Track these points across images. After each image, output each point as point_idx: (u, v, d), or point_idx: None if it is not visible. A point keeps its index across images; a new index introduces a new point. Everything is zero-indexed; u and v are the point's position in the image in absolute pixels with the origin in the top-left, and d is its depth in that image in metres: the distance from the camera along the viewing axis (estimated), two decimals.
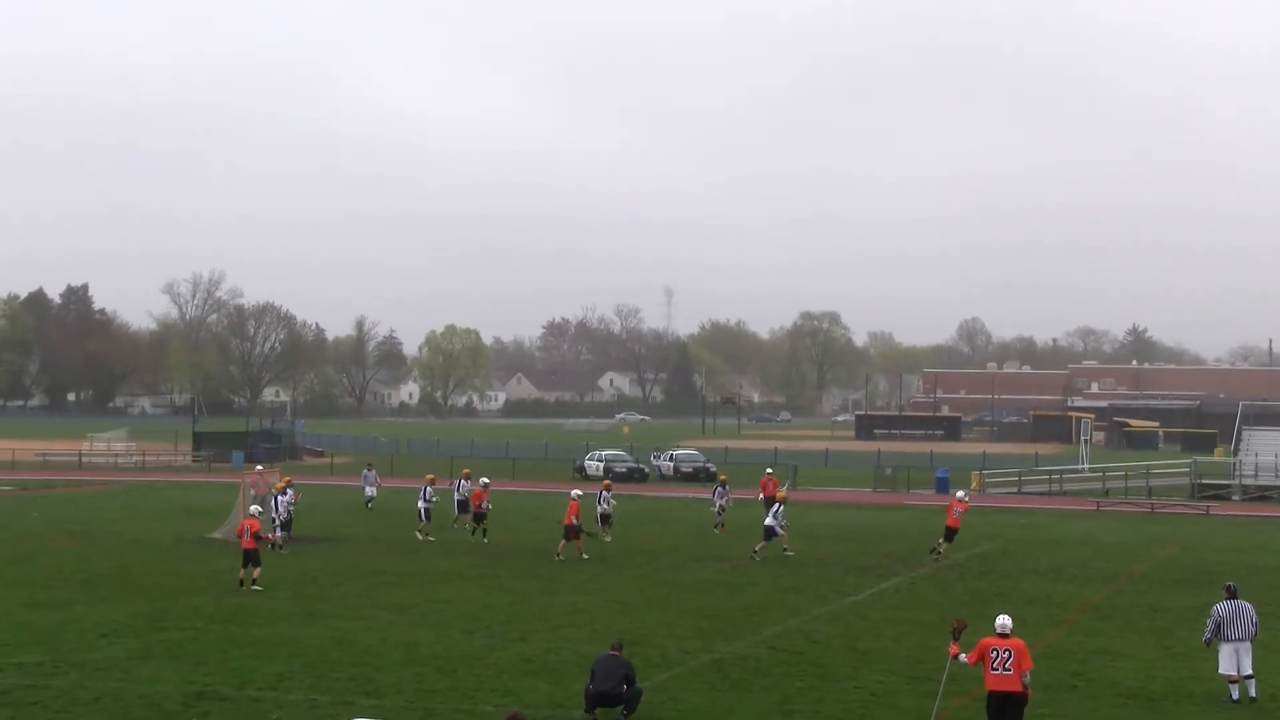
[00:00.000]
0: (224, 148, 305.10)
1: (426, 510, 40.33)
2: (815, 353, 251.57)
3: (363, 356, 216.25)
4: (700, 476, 70.44)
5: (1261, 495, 61.54)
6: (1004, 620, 16.69)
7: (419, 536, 39.42)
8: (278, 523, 37.10)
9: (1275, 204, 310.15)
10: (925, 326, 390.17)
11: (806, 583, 31.68)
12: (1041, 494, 64.23)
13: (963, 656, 16.80)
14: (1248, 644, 19.86)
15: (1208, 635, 20.21)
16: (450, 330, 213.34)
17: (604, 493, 40.92)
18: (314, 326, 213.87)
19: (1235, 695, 19.78)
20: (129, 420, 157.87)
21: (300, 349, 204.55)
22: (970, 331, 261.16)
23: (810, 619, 26.55)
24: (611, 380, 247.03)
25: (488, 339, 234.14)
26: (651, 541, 40.11)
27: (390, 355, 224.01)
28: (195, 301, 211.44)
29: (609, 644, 19.20)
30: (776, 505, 37.18)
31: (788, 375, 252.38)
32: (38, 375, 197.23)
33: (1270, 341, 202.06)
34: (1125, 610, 28.29)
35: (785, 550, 36.49)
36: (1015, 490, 64.89)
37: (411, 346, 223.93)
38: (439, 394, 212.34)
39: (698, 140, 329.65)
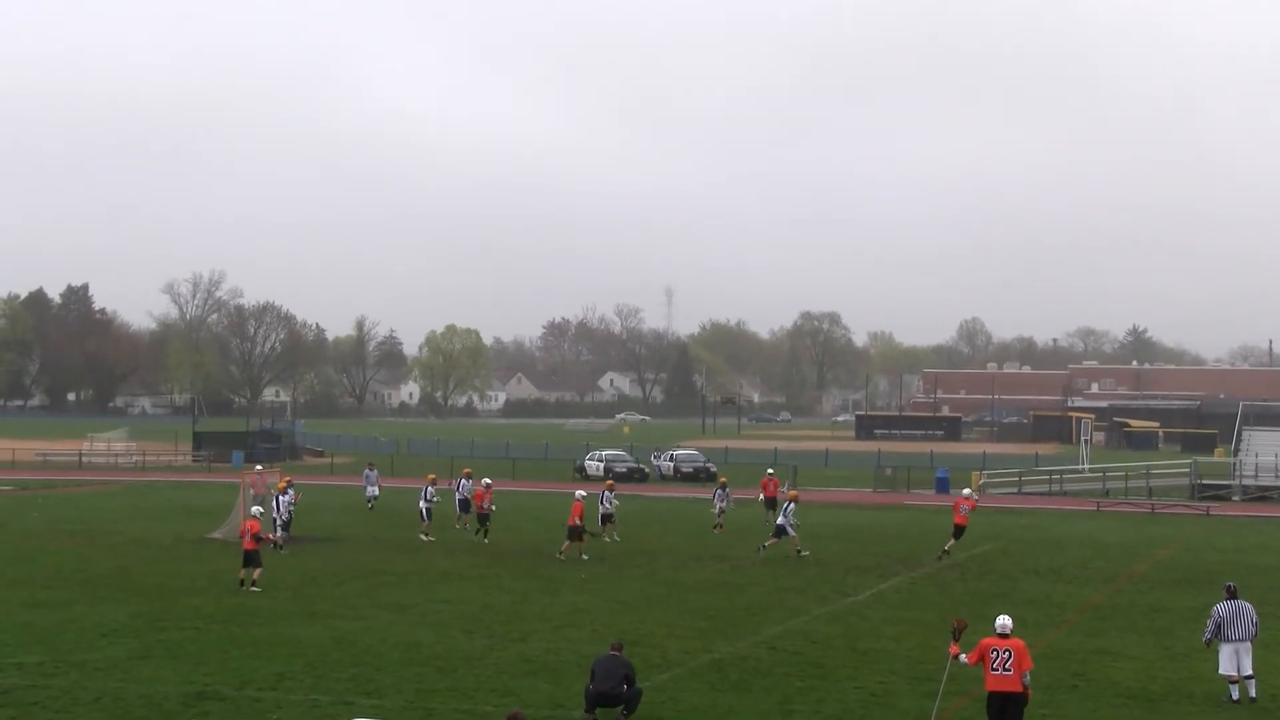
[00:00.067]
0: (224, 148, 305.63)
1: (428, 510, 40.34)
2: (815, 353, 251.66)
3: (363, 356, 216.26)
4: (700, 476, 70.46)
5: (1261, 495, 61.55)
6: (1004, 621, 16.69)
7: (423, 538, 39.40)
8: (279, 523, 37.11)
9: (1275, 204, 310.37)
10: (925, 326, 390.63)
11: (807, 583, 31.68)
12: (1042, 494, 64.25)
13: (963, 657, 16.80)
14: (1248, 644, 19.86)
15: (1208, 635, 20.21)
16: (450, 330, 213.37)
17: (606, 493, 40.92)
18: (314, 326, 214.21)
19: (1235, 695, 19.78)
20: (129, 420, 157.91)
21: (300, 349, 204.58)
22: (970, 332, 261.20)
23: (810, 619, 26.55)
24: (612, 380, 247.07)
25: (488, 339, 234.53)
26: (651, 541, 40.11)
27: (390, 355, 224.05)
28: (195, 301, 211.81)
29: (609, 644, 19.21)
30: (789, 504, 37.22)
31: (788, 375, 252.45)
32: (38, 375, 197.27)
33: (1270, 342, 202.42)
34: (1125, 610, 28.30)
35: (800, 552, 36.47)
36: (1015, 490, 64.90)
37: (411, 346, 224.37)
38: (439, 394, 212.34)
39: (698, 140, 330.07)
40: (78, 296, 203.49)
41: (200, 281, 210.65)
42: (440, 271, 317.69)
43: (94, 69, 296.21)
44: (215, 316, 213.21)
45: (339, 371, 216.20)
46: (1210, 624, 20.14)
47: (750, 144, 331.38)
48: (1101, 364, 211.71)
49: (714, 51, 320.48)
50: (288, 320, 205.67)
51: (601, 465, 71.63)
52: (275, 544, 35.19)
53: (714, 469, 71.40)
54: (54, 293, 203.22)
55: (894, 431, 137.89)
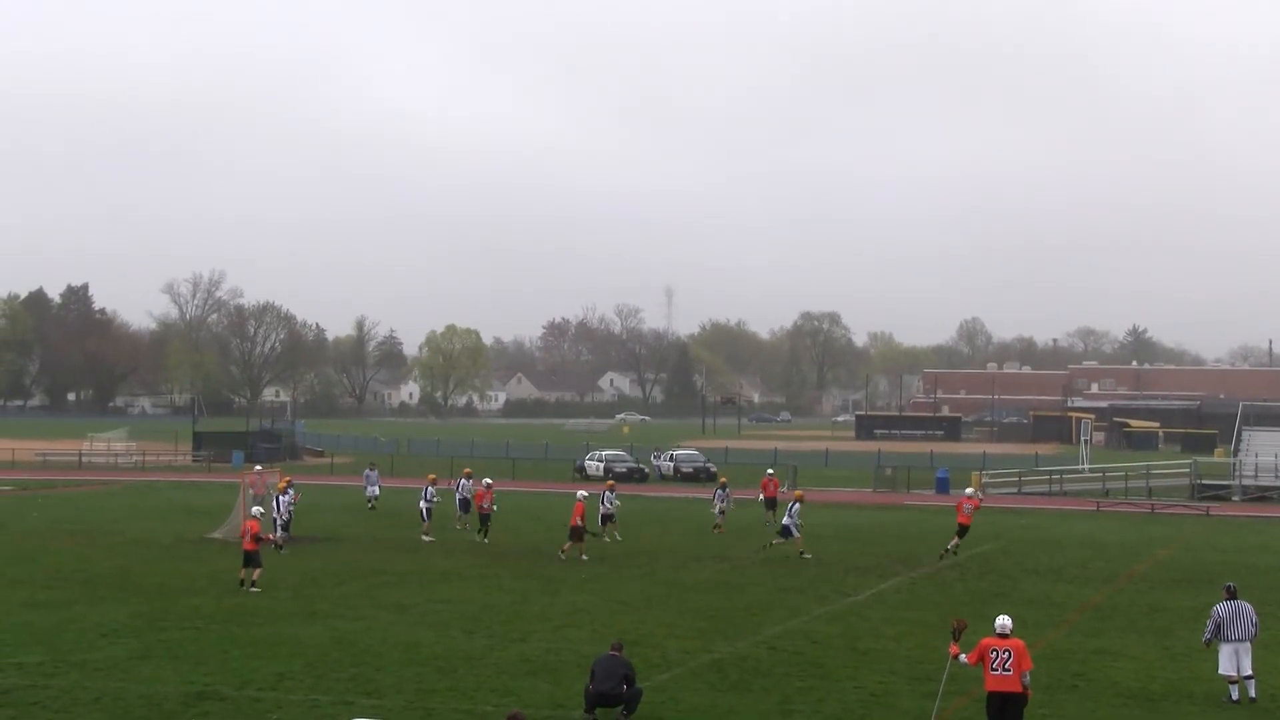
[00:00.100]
0: (224, 148, 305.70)
1: (428, 510, 40.33)
2: (815, 353, 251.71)
3: (363, 356, 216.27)
4: (700, 477, 70.45)
5: (1261, 496, 61.56)
6: (1004, 621, 16.69)
7: (424, 538, 39.39)
8: (279, 523, 37.10)
9: (1275, 204, 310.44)
10: (925, 327, 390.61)
11: (807, 583, 31.68)
12: (1042, 494, 64.25)
13: (963, 657, 16.81)
14: (1247, 644, 19.87)
15: (1208, 635, 20.21)
16: (450, 330, 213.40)
17: (607, 493, 40.89)
18: (314, 326, 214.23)
19: (1235, 695, 19.79)
20: (129, 420, 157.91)
21: (300, 349, 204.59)
22: (970, 332, 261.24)
23: (810, 619, 26.55)
24: (612, 380, 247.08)
25: (488, 339, 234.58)
26: (651, 541, 40.11)
27: (390, 355, 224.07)
28: (195, 301, 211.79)
29: (609, 644, 19.21)
30: (794, 504, 37.24)
31: (788, 375, 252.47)
32: (38, 375, 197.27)
33: (1270, 342, 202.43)
34: (1125, 610, 28.30)
35: (802, 554, 36.46)
36: (1015, 490, 64.90)
37: (411, 346, 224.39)
38: (439, 394, 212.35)
39: (698, 140, 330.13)
40: (78, 296, 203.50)
41: (200, 281, 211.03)
42: (440, 271, 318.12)
43: (94, 69, 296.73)
44: (215, 316, 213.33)
45: (339, 371, 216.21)
46: (1210, 624, 20.15)
47: (750, 144, 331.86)
48: (1101, 364, 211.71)
49: (714, 51, 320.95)
50: (288, 320, 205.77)
51: (601, 465, 71.63)
52: (276, 544, 35.18)
53: (714, 469, 71.40)
54: (54, 293, 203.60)
55: (894, 431, 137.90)
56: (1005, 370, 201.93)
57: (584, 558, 35.09)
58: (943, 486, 64.57)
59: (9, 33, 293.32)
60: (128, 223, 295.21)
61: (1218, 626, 19.96)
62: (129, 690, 19.42)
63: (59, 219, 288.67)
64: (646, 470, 72.08)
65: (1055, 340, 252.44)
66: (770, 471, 49.97)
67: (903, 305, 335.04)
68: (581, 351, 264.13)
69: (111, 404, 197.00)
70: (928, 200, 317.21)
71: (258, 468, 48.13)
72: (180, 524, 43.40)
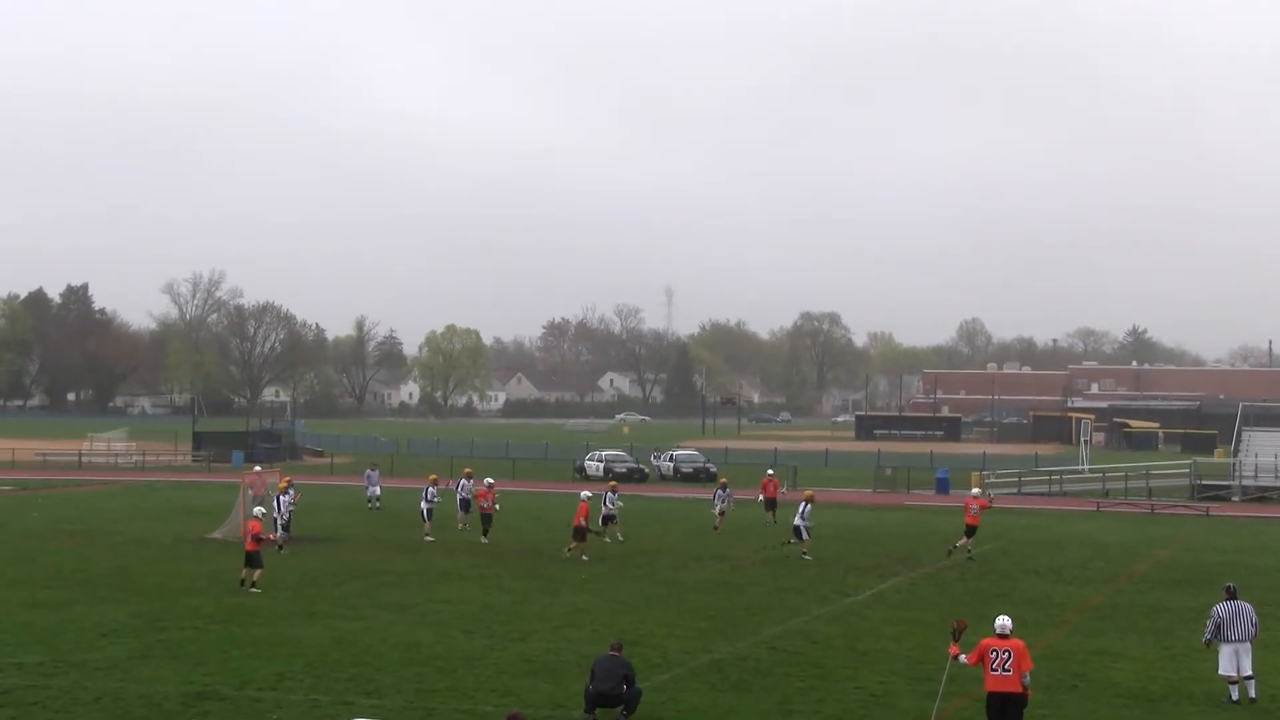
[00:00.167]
0: (224, 148, 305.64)
1: (429, 510, 40.33)
2: (815, 353, 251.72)
3: (363, 356, 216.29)
4: (700, 477, 70.46)
5: (1261, 496, 61.56)
6: (1004, 621, 16.69)
7: (426, 539, 39.36)
8: (279, 523, 37.10)
9: (1275, 204, 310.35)
10: (925, 327, 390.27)
11: (807, 583, 31.68)
12: (1041, 494, 64.24)
13: (963, 657, 16.81)
14: (1247, 645, 19.87)
15: (1207, 636, 20.22)
16: (450, 330, 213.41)
17: (609, 494, 40.89)
18: (314, 326, 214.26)
19: (1235, 696, 19.79)
20: (129, 420, 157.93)
21: (300, 349, 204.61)
22: (970, 332, 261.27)
23: (810, 619, 26.55)
24: (611, 380, 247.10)
25: (488, 339, 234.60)
26: (651, 541, 40.10)
27: (390, 355, 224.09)
28: (195, 301, 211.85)
29: (609, 644, 19.21)
30: (805, 505, 37.27)
31: (788, 376, 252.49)
32: (38, 375, 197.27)
33: (1270, 342, 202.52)
34: (1125, 611, 28.30)
35: (804, 555, 36.47)
36: (1015, 491, 64.88)
37: (411, 346, 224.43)
38: (439, 394, 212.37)
39: (698, 140, 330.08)
40: (78, 296, 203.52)
41: (200, 281, 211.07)
42: (440, 271, 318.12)
43: (94, 69, 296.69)
44: (215, 316, 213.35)
45: (339, 371, 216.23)
46: (1210, 624, 20.15)
47: (750, 144, 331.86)
48: (1101, 364, 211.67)
49: (714, 51, 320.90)
50: (288, 320, 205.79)
51: (601, 465, 71.65)
52: (277, 545, 35.19)
53: (714, 469, 71.42)
54: (54, 293, 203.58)
55: (894, 432, 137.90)
56: (1005, 370, 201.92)
57: (584, 558, 35.09)
58: (943, 487, 64.57)
59: (9, 33, 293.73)
60: (128, 223, 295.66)
61: (1218, 627, 19.96)
62: (129, 690, 19.42)
63: (59, 219, 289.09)
64: (646, 470, 72.08)
65: (1055, 340, 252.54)
66: (770, 472, 49.97)
67: (903, 305, 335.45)
68: (581, 351, 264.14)
69: (111, 404, 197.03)
70: (928, 200, 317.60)
71: (257, 468, 48.13)
72: (180, 524, 43.40)
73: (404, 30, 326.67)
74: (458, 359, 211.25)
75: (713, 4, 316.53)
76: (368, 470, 52.44)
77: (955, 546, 37.39)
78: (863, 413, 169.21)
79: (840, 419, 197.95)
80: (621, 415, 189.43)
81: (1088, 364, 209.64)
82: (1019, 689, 16.20)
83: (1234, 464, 65.71)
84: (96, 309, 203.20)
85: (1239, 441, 68.68)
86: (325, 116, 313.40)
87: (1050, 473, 70.11)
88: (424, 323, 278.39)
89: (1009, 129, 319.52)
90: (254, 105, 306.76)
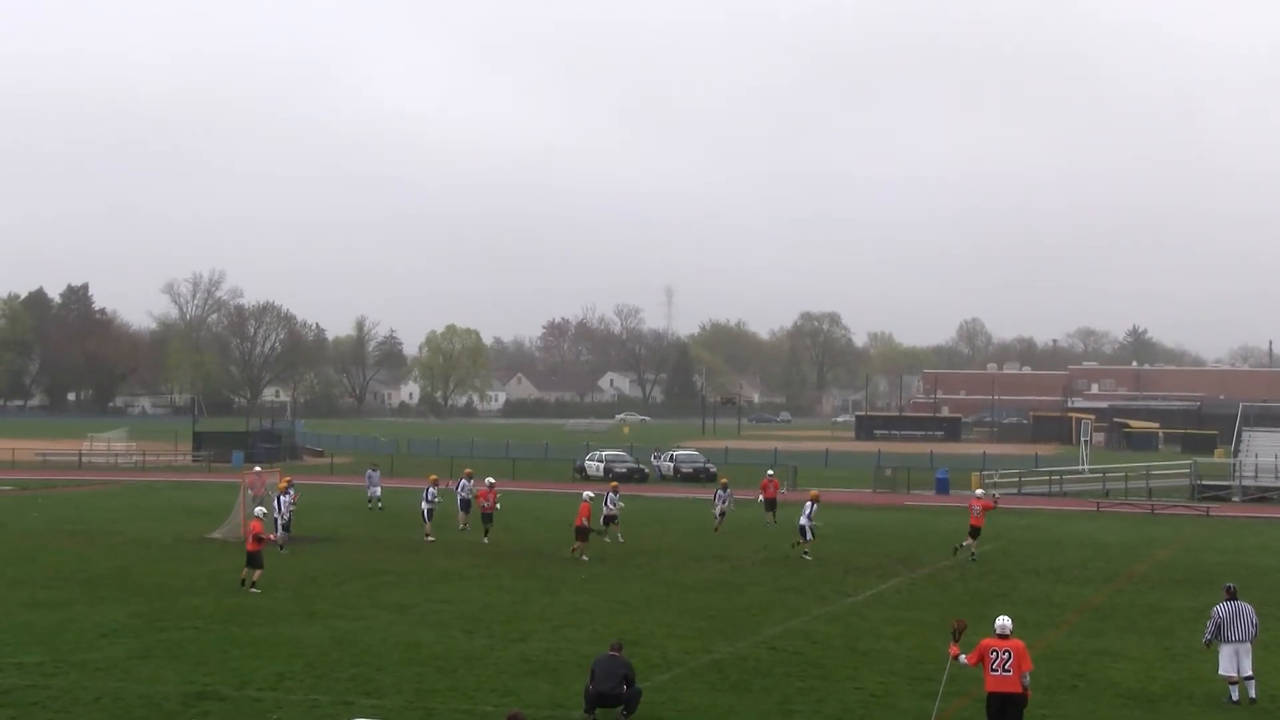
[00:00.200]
0: (224, 148, 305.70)
1: (429, 511, 40.33)
2: (815, 353, 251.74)
3: (363, 356, 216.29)
4: (700, 477, 70.46)
5: (1262, 496, 61.57)
6: (1004, 621, 16.69)
7: (427, 539, 39.34)
8: (279, 523, 37.10)
9: (1275, 204, 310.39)
10: (925, 327, 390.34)
11: (807, 583, 31.69)
12: (1042, 495, 64.23)
13: (963, 657, 16.81)
14: (1248, 645, 19.86)
15: (1208, 636, 20.21)
16: (450, 330, 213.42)
17: (611, 494, 40.87)
18: (314, 326, 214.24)
19: (1235, 696, 19.79)
20: (129, 420, 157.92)
21: (300, 349, 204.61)
22: (970, 332, 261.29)
23: (810, 619, 26.55)
24: (612, 380, 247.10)
25: (488, 339, 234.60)
26: (651, 541, 40.10)
27: (390, 355, 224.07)
28: (195, 301, 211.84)
29: (609, 644, 19.21)
30: (811, 504, 37.28)
31: (788, 376, 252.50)
32: (38, 375, 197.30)
33: (1270, 343, 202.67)
34: (1125, 611, 28.30)
35: (805, 555, 36.50)
36: (1015, 491, 64.87)
37: (411, 346, 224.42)
38: (439, 394, 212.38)
39: (698, 140, 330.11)
40: (78, 296, 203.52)
41: (200, 281, 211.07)
42: (440, 271, 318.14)
43: (94, 69, 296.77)
44: (215, 316, 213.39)
45: (339, 371, 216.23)
46: (1210, 625, 20.14)
47: (750, 144, 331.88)
48: (1101, 365, 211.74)
49: (714, 51, 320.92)
50: (288, 320, 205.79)
51: (601, 465, 71.66)
52: (278, 545, 35.18)
53: (714, 469, 71.44)
54: (54, 293, 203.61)
55: (894, 432, 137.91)
56: (1005, 371, 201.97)
57: (584, 558, 35.09)
58: (943, 487, 64.58)
59: (9, 33, 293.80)
60: (128, 223, 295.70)
61: (1218, 627, 19.96)
62: (129, 690, 19.42)
63: (59, 219, 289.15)
64: (646, 470, 72.09)
65: (1055, 341, 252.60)
66: (770, 473, 49.94)
67: (903, 305, 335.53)
68: (581, 351, 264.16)
69: (111, 404, 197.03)
70: (928, 200, 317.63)
71: (257, 468, 48.11)
72: (180, 524, 43.40)
73: (404, 30, 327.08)
74: (458, 359, 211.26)
75: (713, 4, 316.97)
76: (369, 470, 52.43)
77: (959, 546, 37.35)
78: (863, 413, 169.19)
79: (840, 419, 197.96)
80: (621, 415, 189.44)
81: (1088, 364, 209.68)
82: (1019, 689, 16.20)
83: (1234, 464, 65.71)
84: (97, 309, 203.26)
85: (1239, 442, 68.68)
86: (325, 116, 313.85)
87: (1050, 473, 70.11)
88: (424, 323, 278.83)
89: (1009, 129, 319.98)
90: (254, 105, 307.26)
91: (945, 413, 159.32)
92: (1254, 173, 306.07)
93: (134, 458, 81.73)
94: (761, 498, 46.47)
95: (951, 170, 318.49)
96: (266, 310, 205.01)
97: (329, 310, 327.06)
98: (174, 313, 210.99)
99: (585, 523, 35.35)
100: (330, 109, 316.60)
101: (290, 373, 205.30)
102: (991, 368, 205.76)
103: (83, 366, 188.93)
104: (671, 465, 73.80)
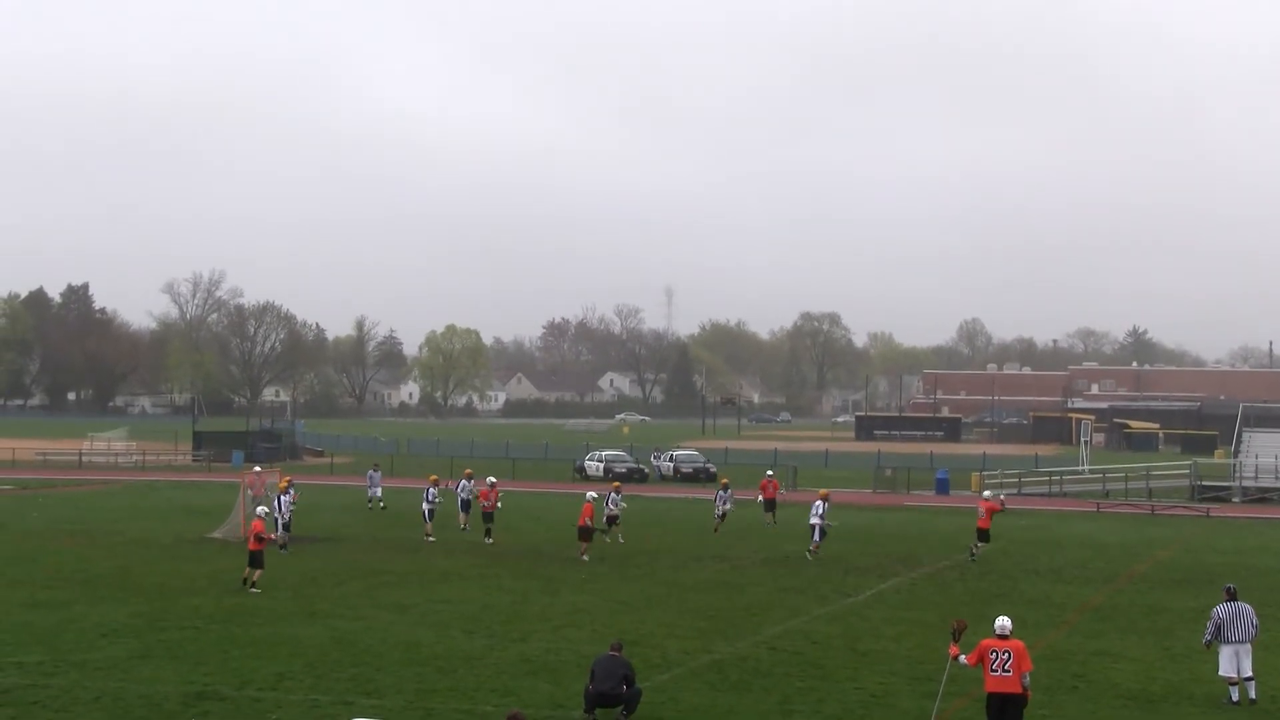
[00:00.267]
0: (224, 148, 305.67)
1: (430, 511, 40.33)
2: (815, 353, 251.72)
3: (363, 356, 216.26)
4: (700, 477, 70.46)
5: (1262, 497, 61.55)
6: (1003, 622, 16.69)
7: (428, 539, 39.33)
8: (280, 523, 37.08)
9: (1275, 204, 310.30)
10: (925, 327, 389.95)
11: (807, 583, 31.69)
12: (1042, 495, 64.24)
13: (963, 658, 16.81)
14: (1248, 646, 19.86)
15: (1208, 637, 20.21)
16: (450, 330, 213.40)
17: (613, 494, 40.87)
18: (314, 326, 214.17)
19: (1235, 697, 19.79)
20: (129, 420, 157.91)
21: (300, 349, 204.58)
22: (970, 332, 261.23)
23: (810, 619, 26.55)
24: (611, 380, 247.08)
25: (488, 339, 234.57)
26: (651, 541, 40.10)
27: (390, 355, 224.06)
28: (195, 301, 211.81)
29: (609, 644, 19.21)
30: (821, 503, 37.32)
31: (788, 376, 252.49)
32: (38, 375, 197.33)
33: (1271, 343, 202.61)
34: (1125, 611, 28.30)
35: (809, 552, 36.53)
36: (1015, 491, 64.85)
37: (411, 346, 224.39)
38: (439, 394, 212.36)
39: (698, 140, 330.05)
40: (78, 296, 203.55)
41: (200, 281, 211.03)
42: (440, 271, 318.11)
43: (94, 69, 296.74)
44: (215, 316, 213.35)
45: (339, 371, 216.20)
46: (1210, 625, 20.14)
47: (750, 144, 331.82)
48: (1101, 365, 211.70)
49: (714, 51, 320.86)
50: (288, 320, 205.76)
51: (601, 465, 71.68)
52: (279, 545, 35.18)
53: (714, 469, 71.44)
54: (54, 292, 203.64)
55: (894, 432, 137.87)
56: (1005, 371, 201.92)
57: (585, 558, 35.09)
58: (943, 487, 64.58)
59: (9, 33, 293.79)
60: (128, 223, 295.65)
61: (1218, 628, 19.96)
62: (129, 690, 19.42)
63: (59, 219, 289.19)
64: (646, 470, 72.09)
65: (1055, 341, 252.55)
66: (770, 473, 49.95)
67: (903, 305, 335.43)
68: (581, 352, 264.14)
69: (111, 404, 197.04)
70: (928, 200, 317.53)
71: (256, 468, 48.09)
72: (180, 524, 43.41)
73: (404, 30, 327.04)
74: (458, 359, 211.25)
75: (713, 4, 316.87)
76: (370, 471, 52.42)
77: (975, 553, 37.06)
78: (863, 413, 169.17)
79: (840, 419, 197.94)
80: (621, 415, 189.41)
81: (1088, 364, 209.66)
82: (1019, 689, 16.20)
83: (1234, 465, 65.70)
84: (97, 309, 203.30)
85: (1239, 442, 68.67)
86: (325, 116, 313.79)
87: (1050, 473, 70.10)
88: (424, 323, 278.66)
89: (1009, 129, 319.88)
90: (254, 105, 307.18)
91: (945, 413, 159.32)
92: (1254, 173, 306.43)
93: (134, 457, 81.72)
94: (761, 498, 46.47)
95: (951, 170, 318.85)
96: (266, 310, 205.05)
97: (329, 310, 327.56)
98: (174, 312, 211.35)
99: (588, 523, 35.35)
100: (330, 109, 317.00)
101: (290, 373, 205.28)
102: (991, 368, 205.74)
103: (83, 366, 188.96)
104: (671, 465, 73.80)
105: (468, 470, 47.05)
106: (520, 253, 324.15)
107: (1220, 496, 61.63)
